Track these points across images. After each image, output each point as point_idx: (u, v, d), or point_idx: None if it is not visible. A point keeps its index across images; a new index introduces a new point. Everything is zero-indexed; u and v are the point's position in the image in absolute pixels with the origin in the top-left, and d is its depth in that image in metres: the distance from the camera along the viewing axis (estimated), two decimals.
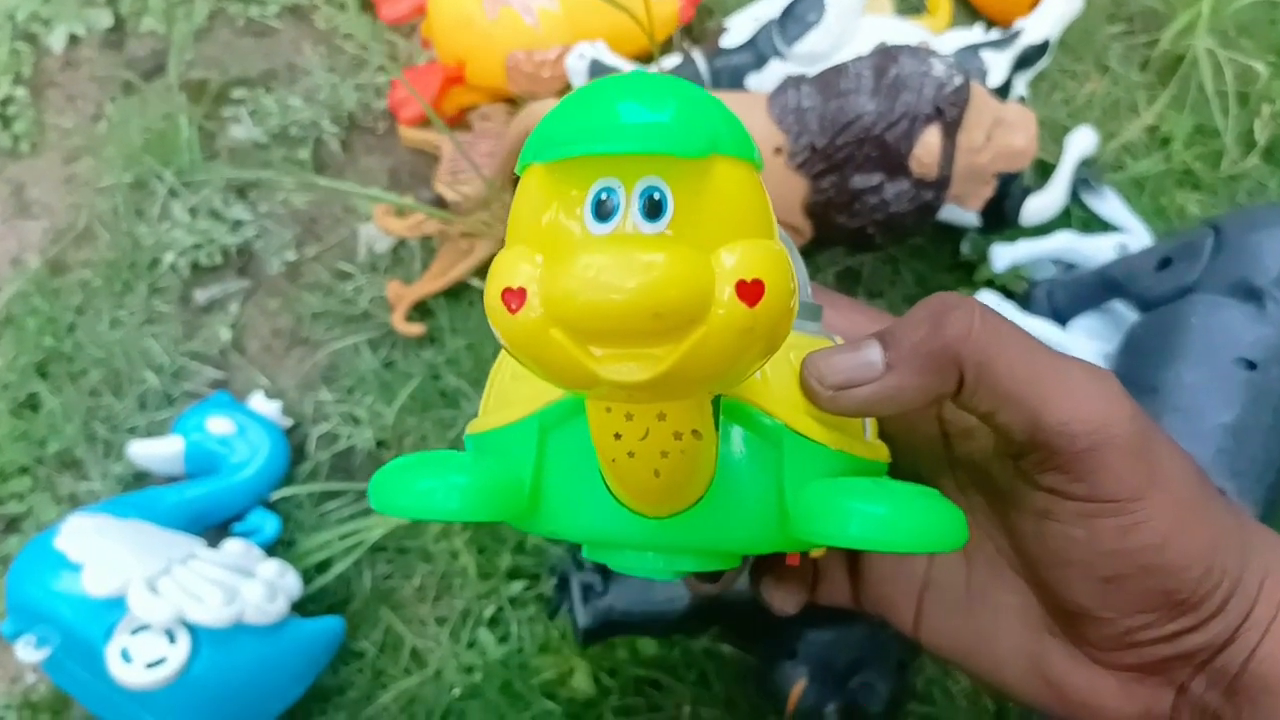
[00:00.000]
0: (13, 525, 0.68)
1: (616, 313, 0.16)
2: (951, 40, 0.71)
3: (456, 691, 0.61)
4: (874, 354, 0.24)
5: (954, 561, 0.29)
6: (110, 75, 0.85)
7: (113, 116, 0.82)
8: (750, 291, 0.17)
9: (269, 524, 0.64)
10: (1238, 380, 0.53)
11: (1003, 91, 0.69)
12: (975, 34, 0.71)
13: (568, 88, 0.73)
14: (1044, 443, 0.23)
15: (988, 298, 0.68)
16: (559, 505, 0.23)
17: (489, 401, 0.26)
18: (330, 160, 0.80)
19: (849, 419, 0.25)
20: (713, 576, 0.28)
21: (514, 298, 0.17)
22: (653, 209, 0.17)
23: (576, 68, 0.71)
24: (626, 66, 0.72)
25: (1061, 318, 0.66)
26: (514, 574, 0.64)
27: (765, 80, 0.70)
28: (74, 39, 0.86)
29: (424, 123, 0.78)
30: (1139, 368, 0.57)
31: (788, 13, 0.70)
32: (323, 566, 0.64)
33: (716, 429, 0.21)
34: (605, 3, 0.60)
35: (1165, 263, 0.60)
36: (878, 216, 0.62)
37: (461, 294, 0.73)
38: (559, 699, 0.60)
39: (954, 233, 0.71)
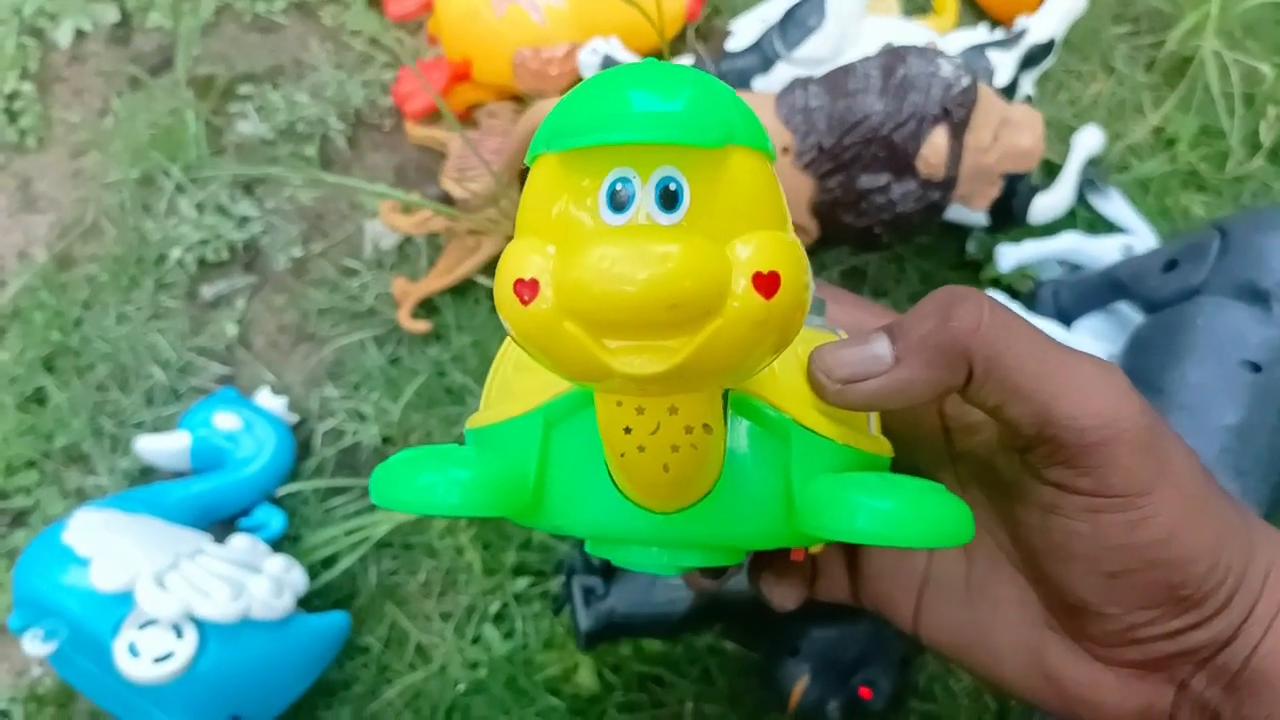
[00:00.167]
0: (19, 519, 0.68)
1: (631, 304, 0.16)
2: (957, 40, 0.71)
3: (461, 687, 0.61)
4: (882, 347, 0.23)
5: (954, 557, 0.28)
6: (117, 70, 0.85)
7: (119, 112, 0.83)
8: (766, 283, 0.17)
9: (275, 519, 0.64)
10: (1243, 382, 0.53)
11: (1009, 91, 0.69)
12: (980, 34, 0.71)
13: (575, 84, 0.73)
14: (1052, 436, 0.23)
15: (994, 296, 0.68)
16: (564, 500, 0.23)
17: (491, 393, 0.26)
18: (337, 156, 0.80)
19: (854, 413, 0.25)
20: (715, 572, 0.28)
21: (526, 289, 0.17)
22: (669, 200, 0.17)
23: (590, 63, 0.71)
24: None
25: (1066, 318, 0.66)
26: (519, 570, 0.64)
27: (771, 83, 0.70)
28: (80, 34, 0.86)
29: (429, 117, 0.78)
30: (1144, 368, 0.57)
31: (788, 17, 0.70)
32: (328, 562, 0.65)
33: (725, 423, 0.21)
34: None
35: (1171, 264, 0.60)
36: (884, 216, 0.62)
37: (467, 291, 0.73)
38: (563, 695, 0.60)
39: (960, 232, 0.71)
